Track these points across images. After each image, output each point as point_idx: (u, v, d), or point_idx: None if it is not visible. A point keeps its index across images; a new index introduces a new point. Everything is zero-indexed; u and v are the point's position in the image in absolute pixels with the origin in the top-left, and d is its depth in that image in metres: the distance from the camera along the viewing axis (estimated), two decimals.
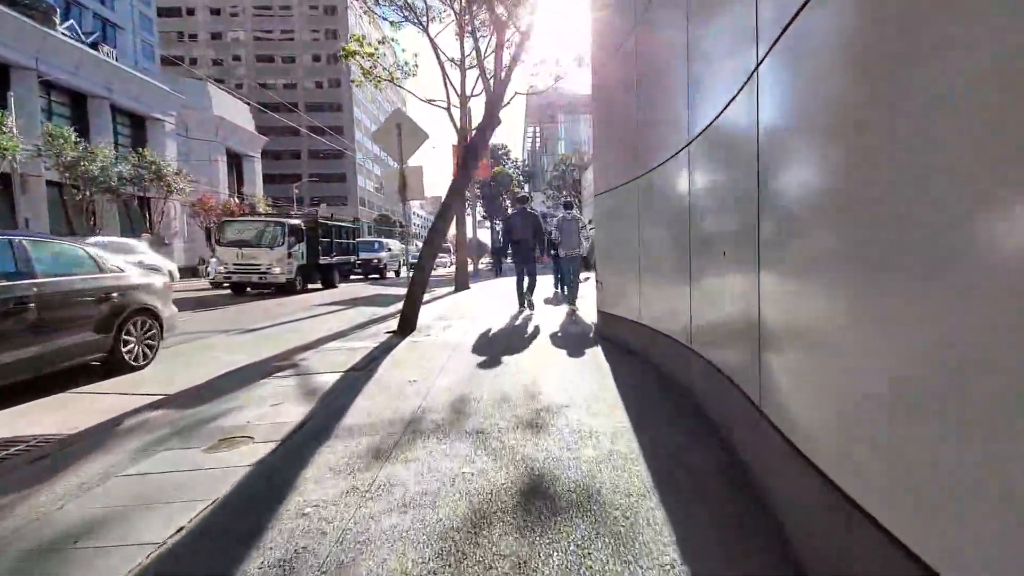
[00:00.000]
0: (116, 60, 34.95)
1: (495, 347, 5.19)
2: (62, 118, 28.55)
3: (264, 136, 48.93)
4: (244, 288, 13.91)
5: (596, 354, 4.69)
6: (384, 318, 8.14)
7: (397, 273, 23.53)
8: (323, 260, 15.83)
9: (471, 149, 7.09)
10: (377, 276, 21.43)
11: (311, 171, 68.22)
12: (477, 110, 17.74)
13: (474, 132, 7.45)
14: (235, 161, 44.40)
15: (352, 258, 19.06)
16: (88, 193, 26.35)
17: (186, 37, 72.14)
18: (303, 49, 73.01)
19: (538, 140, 78.31)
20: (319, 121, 68.66)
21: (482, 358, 4.64)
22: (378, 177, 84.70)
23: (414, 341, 5.76)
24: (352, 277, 20.67)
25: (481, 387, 3.67)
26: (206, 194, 34.07)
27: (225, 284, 13.87)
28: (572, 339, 5.54)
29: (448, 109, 14.54)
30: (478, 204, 42.89)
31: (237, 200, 38.18)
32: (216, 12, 72.46)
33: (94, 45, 33.20)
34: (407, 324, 6.51)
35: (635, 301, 4.45)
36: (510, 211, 45.29)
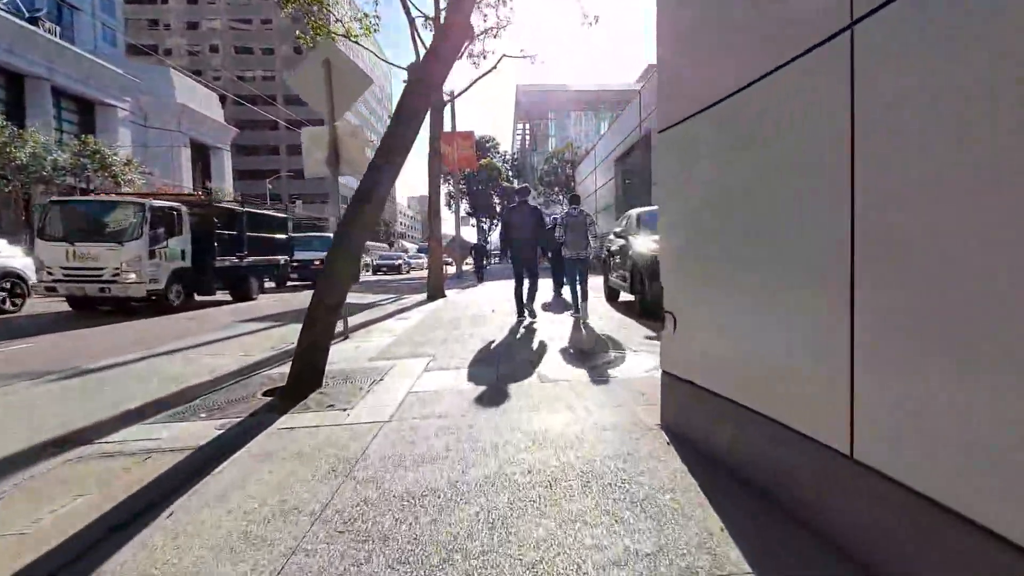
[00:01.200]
0: (71, 41, 31.61)
1: (448, 453, 2.32)
2: None
3: (236, 128, 45.45)
4: (92, 303, 9.38)
5: (690, 510, 1.82)
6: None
7: (355, 277, 20.02)
8: (225, 261, 11.22)
9: (424, 66, 4.16)
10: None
11: (291, 167, 64.59)
12: (457, 79, 14.56)
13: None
14: (202, 153, 40.96)
15: (283, 259, 14.49)
16: (19, 183, 23.15)
17: (160, 26, 68.42)
18: (283, 39, 69.50)
19: (527, 138, 75.59)
20: (299, 115, 64.90)
21: (413, 515, 1.77)
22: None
23: (291, 429, 2.84)
24: (290, 283, 16.92)
25: None
26: (162, 187, 30.72)
27: (57, 295, 9.22)
28: (606, 420, 2.68)
29: None
30: (463, 200, 39.87)
31: (201, 194, 34.87)
32: (192, 0, 68.77)
33: (33, 21, 29.70)
34: (302, 380, 3.59)
35: (824, 385, 1.59)
36: (498, 206, 42.44)
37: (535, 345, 5.23)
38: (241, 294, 12.06)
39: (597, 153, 27.61)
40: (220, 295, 12.07)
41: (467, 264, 22.22)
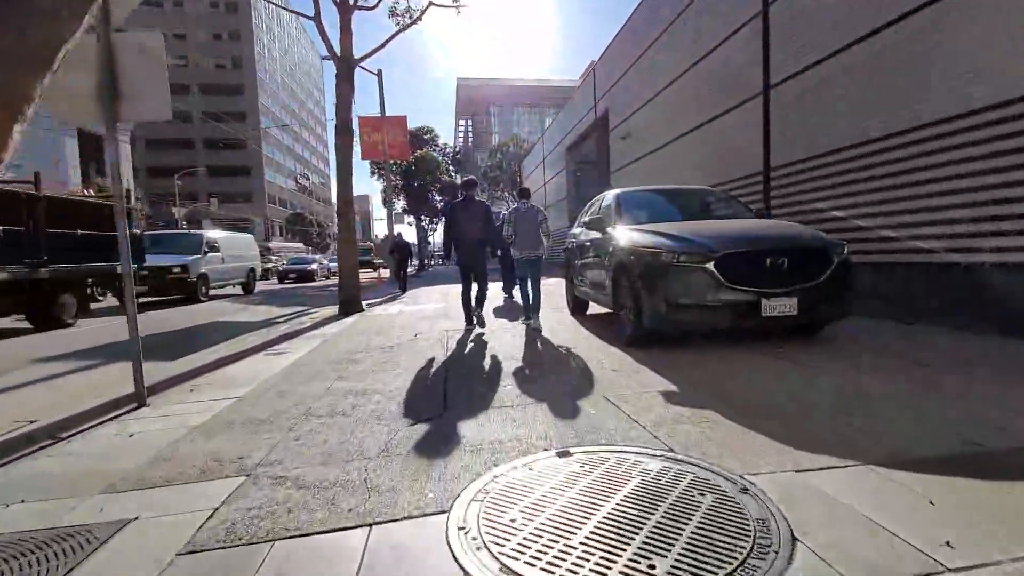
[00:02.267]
0: None
1: None
2: None
3: None
4: None
5: None
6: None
7: (246, 287, 16.26)
8: (3, 272, 7.45)
9: None
10: (179, 295, 13.15)
11: (208, 163, 58.57)
12: (368, 31, 11.64)
13: None
14: (95, 146, 35.54)
15: (118, 268, 10.09)
16: None
17: None
18: (197, 24, 63.29)
19: (470, 133, 73.06)
20: (216, 106, 59.15)
21: None
22: (292, 172, 75.30)
23: None
24: (142, 299, 12.74)
25: None
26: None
27: None
28: None
29: (317, 19, 8.92)
30: (400, 199, 36.66)
31: (90, 191, 29.83)
32: None
33: None
34: None
35: None
36: (439, 203, 39.57)
37: (473, 413, 2.87)
38: (44, 318, 8.35)
39: (545, 143, 25.56)
40: (14, 320, 8.57)
41: (410, 269, 19.36)
